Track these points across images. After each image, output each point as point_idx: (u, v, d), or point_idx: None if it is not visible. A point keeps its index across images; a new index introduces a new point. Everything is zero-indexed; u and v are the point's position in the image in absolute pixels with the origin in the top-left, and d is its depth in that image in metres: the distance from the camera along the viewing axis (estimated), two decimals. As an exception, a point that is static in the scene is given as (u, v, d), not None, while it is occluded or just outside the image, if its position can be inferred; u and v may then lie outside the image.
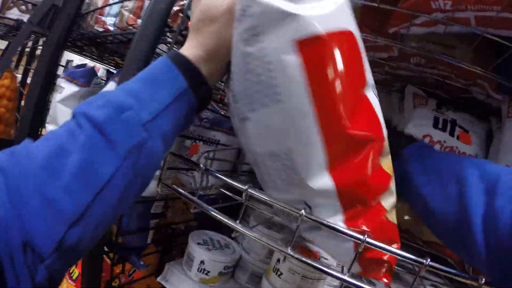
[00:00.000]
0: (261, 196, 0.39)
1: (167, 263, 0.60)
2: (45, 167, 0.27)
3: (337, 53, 0.29)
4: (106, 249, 0.66)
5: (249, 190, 0.39)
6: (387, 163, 0.35)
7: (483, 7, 0.51)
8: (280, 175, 0.35)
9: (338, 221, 0.34)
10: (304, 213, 0.37)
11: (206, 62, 0.35)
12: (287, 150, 0.32)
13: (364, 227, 0.33)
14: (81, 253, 0.31)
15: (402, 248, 0.61)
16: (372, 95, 0.34)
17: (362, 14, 0.62)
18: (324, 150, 0.31)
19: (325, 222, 0.35)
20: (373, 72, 0.71)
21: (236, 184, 0.41)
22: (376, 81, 0.70)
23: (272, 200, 0.38)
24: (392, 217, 0.35)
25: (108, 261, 0.70)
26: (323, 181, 0.32)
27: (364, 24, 0.62)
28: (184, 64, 0.34)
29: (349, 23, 0.31)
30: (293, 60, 0.29)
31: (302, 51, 0.28)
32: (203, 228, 0.63)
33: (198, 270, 0.56)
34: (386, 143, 0.34)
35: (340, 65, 0.29)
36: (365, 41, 0.61)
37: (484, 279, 0.41)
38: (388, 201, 0.34)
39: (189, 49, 0.36)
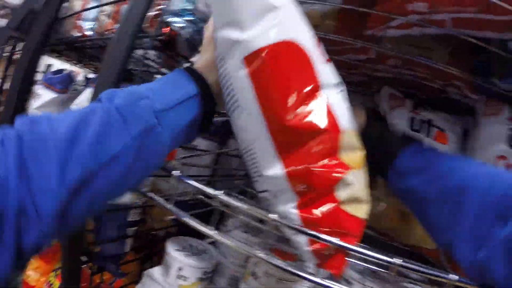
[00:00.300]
0: (232, 202, 0.40)
1: (145, 270, 0.61)
2: (66, 133, 0.30)
3: (275, 61, 0.36)
4: (85, 259, 0.66)
5: (220, 196, 0.41)
6: (350, 157, 0.37)
7: (460, 9, 0.53)
8: (252, 168, 0.41)
9: (291, 208, 0.38)
10: (273, 217, 0.39)
11: (207, 71, 0.42)
12: (250, 145, 0.39)
13: (314, 215, 0.37)
14: (73, 225, 0.33)
15: (384, 248, 0.62)
16: (331, 93, 0.37)
17: (339, 16, 0.64)
18: (272, 142, 0.37)
19: (291, 225, 0.37)
20: (352, 73, 0.72)
21: (207, 190, 0.42)
22: (355, 82, 0.72)
23: (241, 206, 0.39)
24: (353, 210, 0.37)
25: (88, 271, 0.70)
26: (275, 169, 0.37)
27: (342, 27, 0.64)
28: (192, 71, 0.42)
29: (291, 34, 0.37)
30: (242, 74, 0.37)
31: (248, 65, 0.36)
32: (183, 234, 0.64)
33: (176, 277, 0.57)
34: (346, 136, 0.37)
35: (278, 71, 0.36)
36: (342, 43, 0.64)
37: (457, 277, 0.43)
38: (344, 192, 0.36)
39: (196, 64, 0.44)
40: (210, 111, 0.43)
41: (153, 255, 0.81)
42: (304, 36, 0.37)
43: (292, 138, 0.36)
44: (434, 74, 0.66)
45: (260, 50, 0.35)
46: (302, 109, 0.35)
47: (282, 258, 0.53)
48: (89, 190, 0.31)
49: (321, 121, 0.36)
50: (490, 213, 0.33)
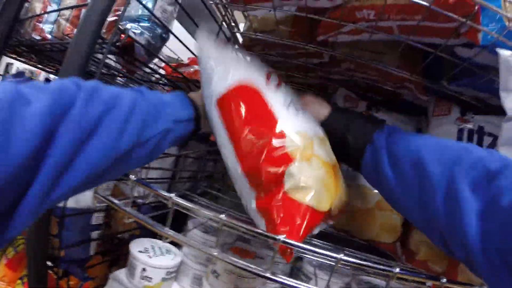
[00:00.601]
0: (185, 203, 0.44)
1: (111, 273, 0.64)
2: (124, 110, 0.38)
3: (232, 97, 0.50)
4: (50, 264, 0.68)
5: (174, 198, 0.44)
6: (295, 152, 0.46)
7: (405, 17, 0.57)
8: (231, 177, 0.51)
9: (252, 203, 0.47)
10: (224, 217, 0.43)
11: (199, 100, 0.54)
12: (226, 158, 0.50)
13: (265, 204, 0.45)
14: (100, 182, 0.41)
15: (345, 244, 0.67)
16: (280, 110, 0.49)
17: (293, 23, 0.69)
18: (234, 151, 0.48)
19: (242, 226, 0.41)
20: (307, 76, 0.77)
21: (161, 193, 0.45)
22: (311, 85, 0.77)
23: (194, 208, 0.43)
24: (300, 197, 0.44)
25: (54, 276, 0.72)
26: (238, 171, 0.47)
27: (296, 32, 0.69)
28: (190, 99, 0.54)
29: (245, 75, 0.52)
30: (216, 111, 0.51)
31: (218, 105, 0.51)
32: (146, 236, 0.67)
33: (141, 278, 0.60)
34: (291, 138, 0.46)
35: (235, 102, 0.49)
36: (297, 48, 0.68)
37: (398, 269, 0.48)
38: (289, 182, 0.45)
39: (191, 94, 0.56)
40: (197, 130, 0.54)
41: (119, 258, 0.84)
42: (253, 75, 0.53)
43: (246, 145, 0.47)
44: (386, 77, 0.71)
45: (223, 94, 0.51)
46: (252, 124, 0.48)
47: (241, 256, 0.58)
48: (128, 159, 0.39)
49: (267, 131, 0.47)
50: (460, 185, 0.36)
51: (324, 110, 0.57)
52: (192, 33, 1.05)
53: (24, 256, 0.98)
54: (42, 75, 1.28)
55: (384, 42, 0.68)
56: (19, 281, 0.99)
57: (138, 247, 0.62)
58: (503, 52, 0.51)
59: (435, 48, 0.61)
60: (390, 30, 0.61)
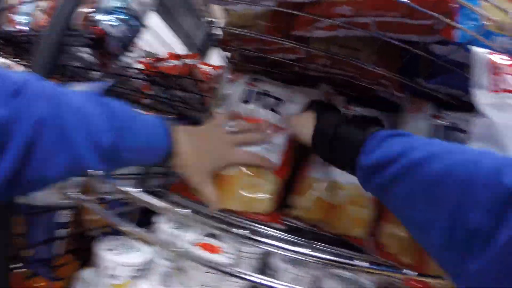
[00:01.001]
0: (148, 200, 0.42)
1: (79, 272, 0.61)
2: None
3: None
4: (19, 264, 0.66)
5: (136, 194, 0.42)
6: None
7: (382, 13, 0.56)
8: None
9: None
10: (190, 213, 0.41)
11: (184, 141, 0.51)
12: None
13: None
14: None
15: (318, 238, 0.66)
16: None
17: (271, 17, 0.67)
18: None
19: (209, 222, 0.40)
20: (284, 72, 0.76)
21: (125, 189, 0.44)
22: (287, 80, 0.76)
23: (157, 204, 0.41)
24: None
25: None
26: None
27: (273, 27, 0.67)
28: (170, 140, 0.49)
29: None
30: None
31: None
32: (118, 234, 0.64)
33: (108, 276, 0.58)
34: None
35: None
36: (273, 43, 0.67)
37: (367, 264, 0.47)
38: None
39: (182, 134, 0.51)
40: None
41: (92, 257, 0.81)
42: None
43: None
44: (363, 74, 0.70)
45: None
46: None
47: (209, 251, 0.56)
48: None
49: None
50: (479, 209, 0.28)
51: (306, 133, 0.56)
52: (172, 28, 1.04)
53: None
54: (21, 70, 1.24)
55: (359, 38, 0.67)
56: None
57: (105, 245, 0.60)
58: (476, 50, 0.51)
59: (412, 45, 0.60)
60: (367, 26, 0.60)
